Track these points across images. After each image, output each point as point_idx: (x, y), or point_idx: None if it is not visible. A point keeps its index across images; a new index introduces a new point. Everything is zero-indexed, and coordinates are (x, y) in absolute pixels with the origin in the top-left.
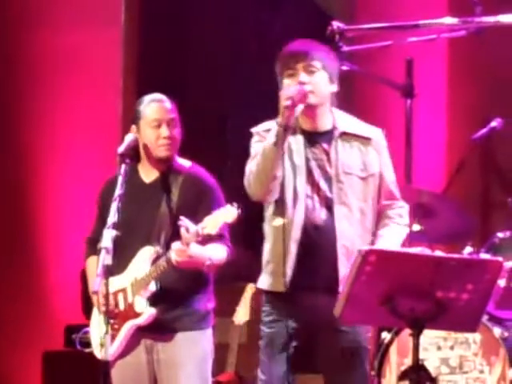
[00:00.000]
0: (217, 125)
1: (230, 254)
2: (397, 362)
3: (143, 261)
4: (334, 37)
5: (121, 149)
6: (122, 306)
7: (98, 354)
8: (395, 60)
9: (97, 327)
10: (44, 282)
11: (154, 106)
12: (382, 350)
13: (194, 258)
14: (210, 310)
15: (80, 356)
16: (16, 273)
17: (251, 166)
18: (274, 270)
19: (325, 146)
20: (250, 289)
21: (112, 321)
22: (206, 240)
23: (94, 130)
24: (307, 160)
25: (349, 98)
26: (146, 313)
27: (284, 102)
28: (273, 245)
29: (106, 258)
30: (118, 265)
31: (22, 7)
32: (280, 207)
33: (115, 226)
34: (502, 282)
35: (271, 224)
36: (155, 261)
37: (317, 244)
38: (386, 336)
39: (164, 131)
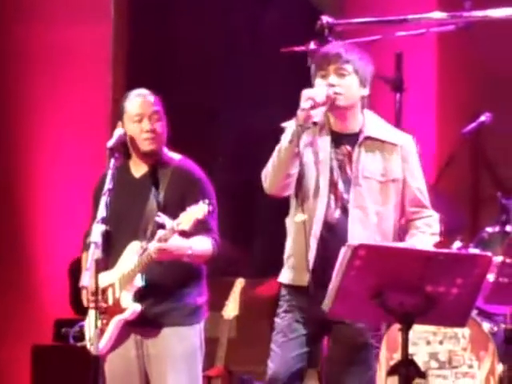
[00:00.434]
0: (207, 120)
1: (217, 247)
2: (386, 357)
3: (131, 256)
4: (323, 31)
5: (110, 143)
6: (110, 301)
7: (91, 348)
8: (384, 54)
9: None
10: (33, 277)
11: (136, 101)
12: None
13: (175, 251)
14: (201, 305)
15: (69, 350)
16: (5, 267)
17: (269, 162)
18: (295, 265)
19: (348, 148)
20: (239, 283)
21: (102, 316)
22: (192, 233)
23: (84, 126)
24: (330, 159)
25: None
26: (131, 308)
27: (303, 101)
28: (294, 240)
29: (95, 253)
30: (110, 260)
31: (13, 3)
32: (302, 203)
33: (104, 221)
34: (491, 277)
35: (293, 219)
36: (141, 255)
37: (330, 242)
38: None
39: (145, 125)
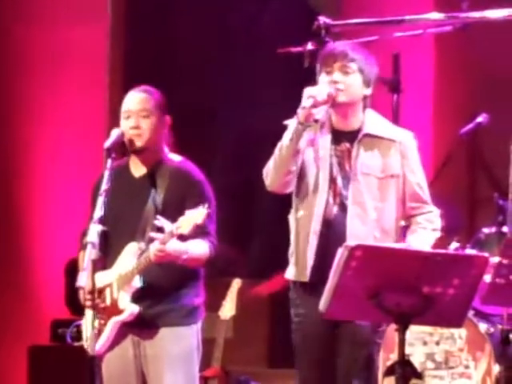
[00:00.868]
0: (207, 121)
1: (214, 250)
2: (383, 358)
3: (129, 257)
4: (320, 32)
5: (107, 144)
6: (108, 302)
7: (88, 348)
8: (382, 55)
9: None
10: (30, 277)
11: (127, 98)
12: None
13: (172, 254)
14: (198, 305)
15: (66, 350)
16: (2, 268)
17: (270, 159)
18: (296, 261)
19: (348, 145)
20: (236, 284)
21: (99, 316)
22: (189, 236)
23: (81, 126)
24: (330, 156)
25: None
26: (128, 310)
27: (305, 100)
28: (295, 236)
29: (92, 253)
30: (108, 260)
31: (13, 3)
32: (302, 200)
33: (101, 221)
34: (487, 278)
35: (295, 216)
36: (139, 257)
37: (329, 238)
38: None
39: (130, 122)
